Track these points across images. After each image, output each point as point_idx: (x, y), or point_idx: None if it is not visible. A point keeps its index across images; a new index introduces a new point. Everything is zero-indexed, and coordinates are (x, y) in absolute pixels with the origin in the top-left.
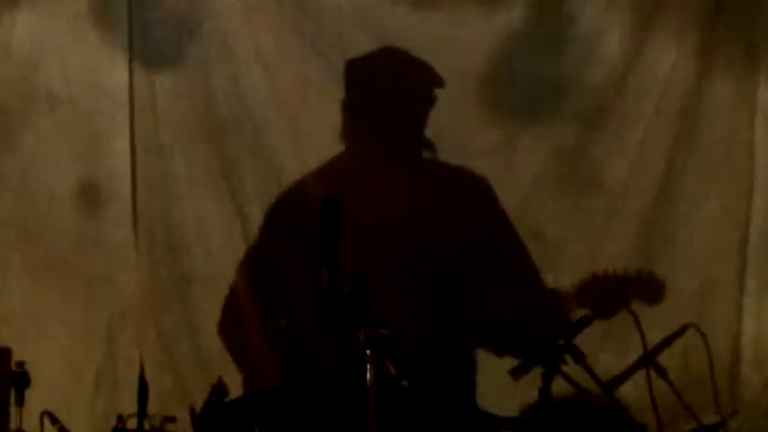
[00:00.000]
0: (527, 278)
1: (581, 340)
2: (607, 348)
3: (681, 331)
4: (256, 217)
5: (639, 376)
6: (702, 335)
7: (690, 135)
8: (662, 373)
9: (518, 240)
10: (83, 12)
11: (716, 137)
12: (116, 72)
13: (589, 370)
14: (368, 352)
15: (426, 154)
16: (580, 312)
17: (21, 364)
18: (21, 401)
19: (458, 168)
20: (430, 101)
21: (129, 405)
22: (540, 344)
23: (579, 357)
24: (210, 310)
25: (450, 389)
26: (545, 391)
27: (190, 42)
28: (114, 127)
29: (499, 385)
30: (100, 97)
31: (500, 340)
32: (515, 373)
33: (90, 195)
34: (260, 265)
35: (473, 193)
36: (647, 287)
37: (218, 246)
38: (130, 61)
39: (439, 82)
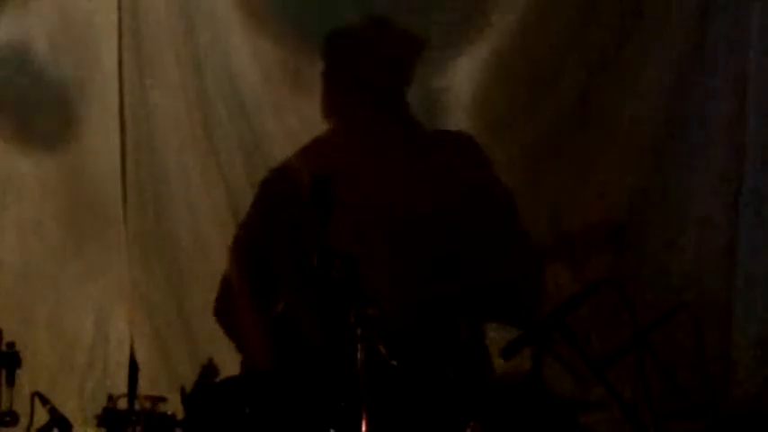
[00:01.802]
0: (517, 239)
1: (571, 320)
2: (598, 328)
3: (672, 312)
4: (247, 201)
5: (631, 356)
6: (694, 315)
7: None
8: (653, 353)
9: (511, 202)
10: None
11: (705, 136)
12: None
13: (580, 350)
14: (357, 332)
15: (412, 127)
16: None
17: (11, 344)
18: (11, 382)
19: (445, 133)
20: (412, 74)
21: (120, 385)
22: (531, 317)
23: (570, 337)
24: (201, 292)
25: (441, 368)
26: (536, 370)
27: (182, 36)
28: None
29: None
30: None
31: (493, 307)
32: (506, 353)
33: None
34: (250, 245)
35: (462, 157)
36: (618, 236)
37: (210, 228)
38: (120, 51)
39: (421, 56)
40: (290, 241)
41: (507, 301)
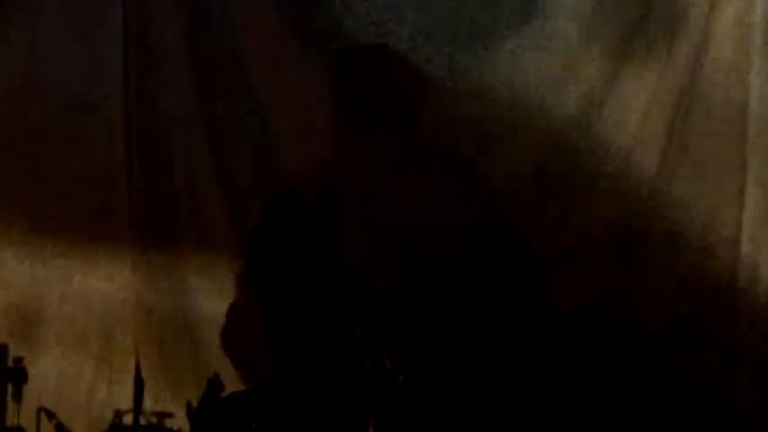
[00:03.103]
0: (522, 261)
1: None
2: (602, 340)
3: (676, 324)
4: (253, 207)
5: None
6: (697, 328)
7: (683, 129)
8: (657, 365)
9: (513, 223)
10: None
11: (710, 131)
12: None
13: (584, 362)
14: (364, 346)
15: (421, 146)
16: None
17: (18, 360)
18: (18, 397)
19: (454, 156)
20: (420, 97)
21: (126, 401)
22: (535, 332)
23: (573, 349)
24: (206, 307)
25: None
26: (538, 384)
27: (190, 52)
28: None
29: None
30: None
31: (499, 323)
32: (510, 366)
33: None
34: (257, 262)
35: (466, 180)
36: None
37: (215, 243)
38: (126, 51)
39: (426, 80)
40: (297, 257)
41: (512, 314)
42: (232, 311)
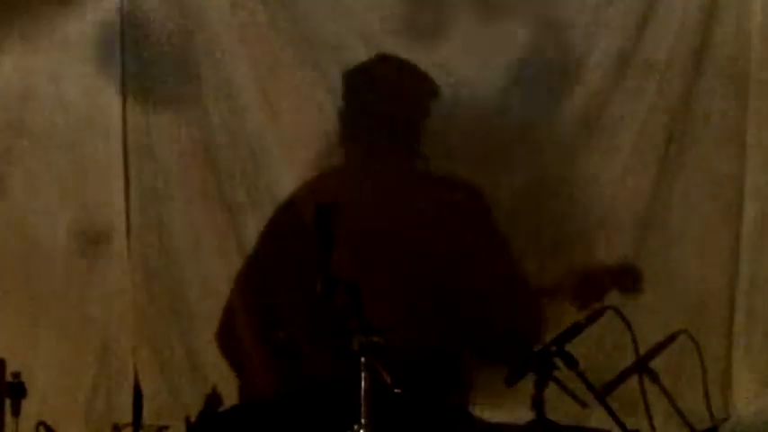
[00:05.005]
0: (517, 287)
1: (574, 346)
2: (600, 354)
3: (673, 337)
4: (250, 228)
5: (633, 382)
6: (695, 341)
7: (681, 139)
8: (655, 378)
9: (508, 249)
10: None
11: (708, 140)
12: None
13: (582, 376)
14: (362, 359)
15: (420, 163)
16: (567, 312)
17: (17, 374)
18: (17, 412)
19: (451, 177)
20: (424, 110)
21: (125, 415)
22: (531, 350)
23: (572, 363)
24: (205, 320)
25: (446, 390)
26: (538, 397)
27: (184, 61)
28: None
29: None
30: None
31: (493, 346)
32: (508, 380)
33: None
34: (255, 277)
35: (466, 202)
36: (624, 277)
37: (212, 257)
38: (123, 92)
39: (433, 92)
40: (295, 272)
41: (506, 333)
42: (228, 315)
